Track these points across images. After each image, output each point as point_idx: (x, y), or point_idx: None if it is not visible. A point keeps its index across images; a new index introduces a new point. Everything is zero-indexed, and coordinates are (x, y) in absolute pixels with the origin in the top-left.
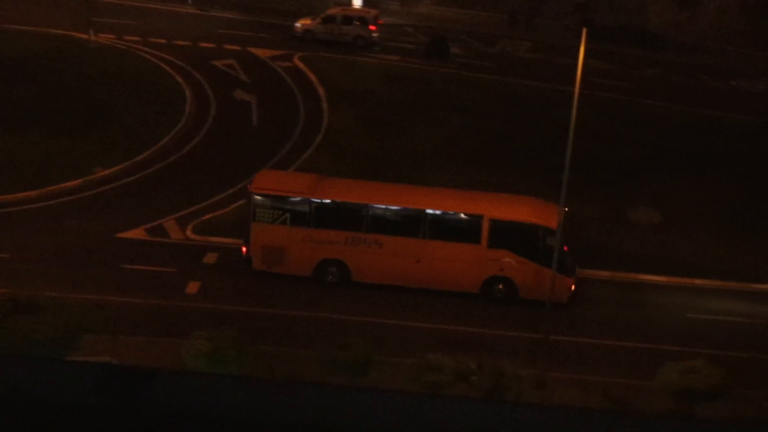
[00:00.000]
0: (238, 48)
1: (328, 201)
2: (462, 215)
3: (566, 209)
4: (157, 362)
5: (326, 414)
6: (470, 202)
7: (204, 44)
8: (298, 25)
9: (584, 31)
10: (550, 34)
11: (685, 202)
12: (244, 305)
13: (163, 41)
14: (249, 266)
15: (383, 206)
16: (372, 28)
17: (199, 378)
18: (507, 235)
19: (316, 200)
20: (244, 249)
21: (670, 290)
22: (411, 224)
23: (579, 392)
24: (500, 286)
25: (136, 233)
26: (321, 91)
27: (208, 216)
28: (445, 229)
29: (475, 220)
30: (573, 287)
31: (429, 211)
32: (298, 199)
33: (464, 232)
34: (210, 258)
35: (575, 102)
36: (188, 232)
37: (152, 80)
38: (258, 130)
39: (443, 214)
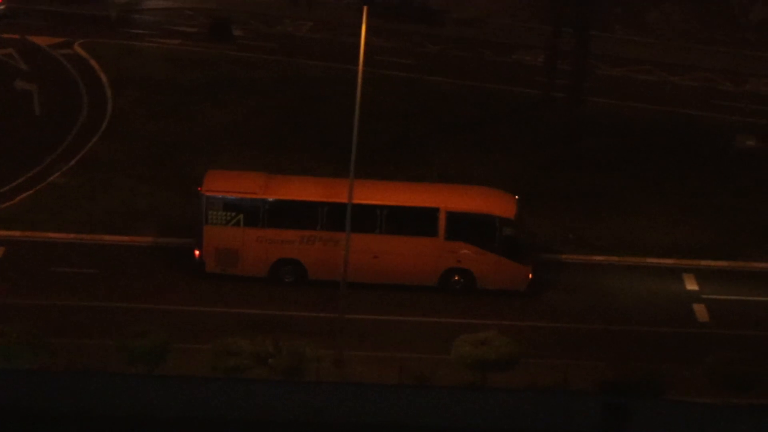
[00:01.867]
0: (17, 36)
1: (280, 200)
2: (418, 209)
3: (516, 197)
4: None
5: (126, 402)
6: (425, 195)
7: None
8: None
9: (365, 9)
10: (333, 12)
11: (472, 175)
12: (37, 299)
13: None
14: (201, 270)
15: (337, 203)
16: None
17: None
18: (464, 227)
19: (268, 199)
20: (197, 252)
21: None
22: (366, 220)
23: (377, 369)
24: (458, 278)
25: None
26: (104, 77)
27: None
28: (401, 223)
29: (432, 213)
30: (530, 275)
31: (384, 205)
32: (250, 199)
33: (421, 225)
34: None
35: (359, 80)
36: None
37: None
38: (41, 120)
39: (398, 208)
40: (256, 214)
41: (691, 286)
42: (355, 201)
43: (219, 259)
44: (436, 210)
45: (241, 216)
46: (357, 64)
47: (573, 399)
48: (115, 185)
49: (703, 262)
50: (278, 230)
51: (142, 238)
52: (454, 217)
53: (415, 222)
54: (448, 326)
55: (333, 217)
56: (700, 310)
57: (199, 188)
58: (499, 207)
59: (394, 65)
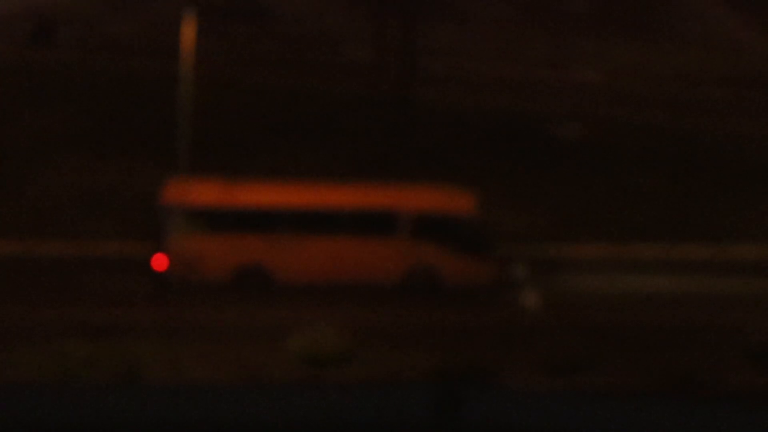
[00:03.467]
0: None
1: (243, 206)
2: (380, 209)
3: (472, 194)
4: None
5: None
6: (387, 195)
7: None
8: None
9: (191, 8)
10: (158, 13)
11: (304, 173)
12: None
13: None
14: (164, 280)
15: (300, 206)
16: None
17: None
18: (426, 226)
19: (231, 206)
20: (158, 264)
21: None
22: (329, 222)
23: (212, 366)
24: (423, 278)
25: None
26: None
27: None
28: (364, 225)
29: (394, 213)
30: (495, 271)
31: (345, 208)
32: (212, 206)
33: (384, 226)
34: None
35: (185, 81)
36: None
37: None
38: None
39: (361, 209)
40: (218, 220)
41: (521, 273)
42: (318, 204)
43: (184, 270)
44: (398, 210)
45: (205, 224)
46: (185, 65)
47: (404, 390)
48: None
49: (532, 250)
50: (241, 236)
51: None
52: (416, 217)
53: (377, 223)
54: (287, 321)
55: (295, 220)
56: (529, 298)
57: (161, 199)
58: (459, 204)
59: (221, 65)
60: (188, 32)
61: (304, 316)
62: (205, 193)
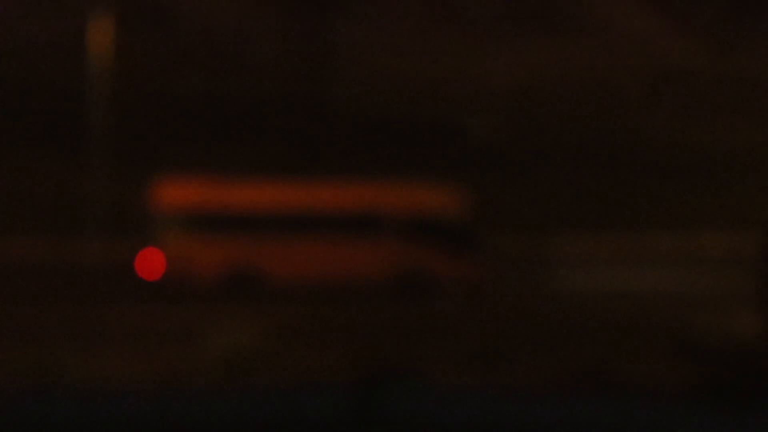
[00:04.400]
0: None
1: (235, 207)
2: (371, 210)
3: (455, 191)
4: None
5: None
6: (376, 195)
7: None
8: None
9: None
10: (70, 14)
11: (214, 171)
12: None
13: None
14: (153, 282)
15: (292, 208)
16: None
17: None
18: (417, 225)
19: (223, 207)
20: (151, 269)
21: None
22: (321, 224)
23: (129, 367)
24: (417, 279)
25: None
26: None
27: None
28: (355, 226)
29: (385, 214)
30: (483, 269)
31: (337, 209)
32: (204, 207)
33: (375, 227)
34: None
35: (96, 82)
36: None
37: None
38: None
39: (351, 210)
40: (209, 222)
41: None
42: (309, 205)
43: (176, 274)
44: (390, 210)
45: (195, 225)
46: (95, 66)
47: (324, 389)
48: None
49: None
50: (234, 238)
51: None
52: (406, 217)
53: (369, 224)
54: (211, 322)
55: (287, 222)
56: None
57: (153, 198)
58: (449, 203)
59: (133, 66)
60: (99, 34)
61: (230, 317)
62: (199, 194)
